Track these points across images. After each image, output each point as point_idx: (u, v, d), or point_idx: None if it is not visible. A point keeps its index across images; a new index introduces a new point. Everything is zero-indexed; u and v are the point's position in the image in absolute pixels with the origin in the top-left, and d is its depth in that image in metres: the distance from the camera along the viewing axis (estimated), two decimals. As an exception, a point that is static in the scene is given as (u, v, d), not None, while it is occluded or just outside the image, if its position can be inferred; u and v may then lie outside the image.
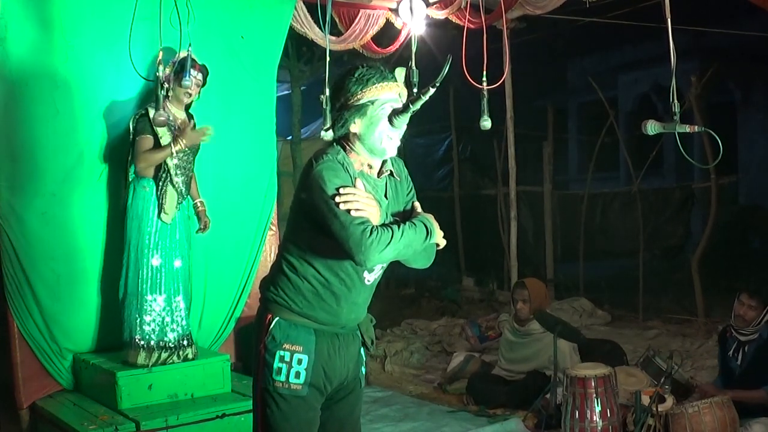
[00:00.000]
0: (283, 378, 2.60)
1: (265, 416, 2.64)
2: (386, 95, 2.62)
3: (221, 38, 5.08)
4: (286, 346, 2.61)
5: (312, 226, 2.57)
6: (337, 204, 2.48)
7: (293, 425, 2.62)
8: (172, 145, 4.51)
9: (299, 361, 2.61)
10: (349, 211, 2.48)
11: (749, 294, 4.59)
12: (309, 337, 2.63)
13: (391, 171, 2.73)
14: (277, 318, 2.63)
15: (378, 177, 2.69)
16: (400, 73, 2.70)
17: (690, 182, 10.30)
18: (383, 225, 2.55)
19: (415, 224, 2.61)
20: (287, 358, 2.61)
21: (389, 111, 2.62)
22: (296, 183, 2.69)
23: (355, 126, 2.62)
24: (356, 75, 2.63)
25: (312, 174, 2.54)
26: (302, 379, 2.61)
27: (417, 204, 2.78)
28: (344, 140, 2.67)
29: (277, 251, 2.79)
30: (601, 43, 15.17)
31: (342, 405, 2.80)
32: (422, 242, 2.63)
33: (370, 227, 2.48)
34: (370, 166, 2.68)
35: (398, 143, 2.69)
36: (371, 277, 2.70)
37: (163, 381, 4.52)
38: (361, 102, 2.61)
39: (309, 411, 2.66)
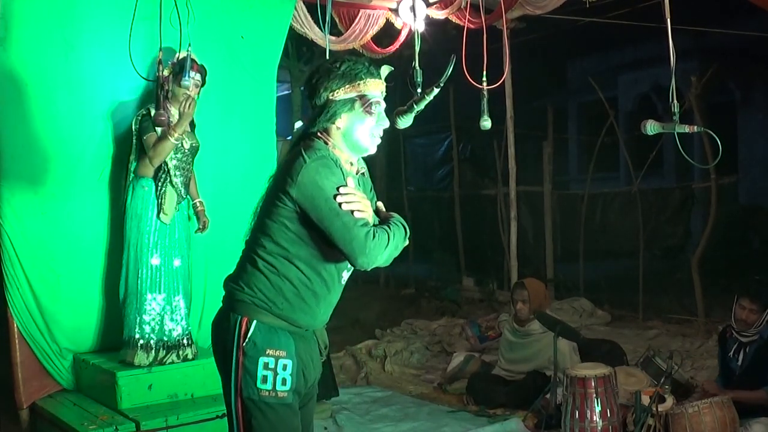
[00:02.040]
0: (269, 386, 2.47)
1: (251, 428, 2.49)
2: (373, 92, 2.56)
3: (221, 38, 5.08)
4: (270, 351, 2.48)
5: (298, 222, 2.47)
6: (340, 204, 2.40)
7: None
8: (169, 134, 4.47)
9: (284, 367, 2.49)
10: (351, 211, 2.41)
11: (750, 299, 4.57)
12: (289, 340, 2.51)
13: (364, 170, 2.67)
14: (255, 321, 2.48)
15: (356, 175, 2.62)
16: (385, 71, 2.64)
17: (690, 182, 10.30)
18: (376, 226, 2.50)
19: (397, 224, 2.56)
20: (272, 365, 2.47)
21: (375, 109, 2.55)
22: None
23: (341, 121, 2.54)
24: (343, 68, 2.54)
25: (306, 169, 2.43)
26: (288, 386, 2.49)
27: (380, 203, 2.69)
28: (323, 135, 2.55)
29: (245, 248, 2.62)
30: (601, 43, 15.19)
31: (306, 411, 2.69)
32: (403, 242, 2.57)
33: (372, 229, 2.43)
34: (351, 164, 2.60)
35: (379, 141, 2.62)
36: (346, 276, 2.65)
37: (163, 381, 4.52)
38: (349, 96, 2.53)
39: (294, 417, 2.55)
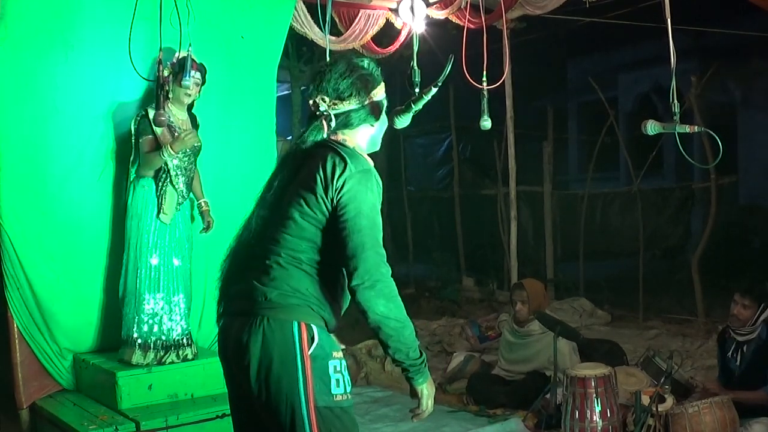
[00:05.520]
0: (342, 390, 2.38)
1: None
2: (383, 93, 2.58)
3: (221, 38, 5.08)
4: (335, 354, 2.40)
5: (330, 225, 2.41)
6: (368, 225, 2.35)
7: None
8: (164, 151, 4.49)
9: (344, 368, 2.43)
10: (375, 237, 2.37)
11: (741, 293, 4.59)
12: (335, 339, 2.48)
13: None
14: (312, 326, 2.39)
15: None
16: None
17: (690, 182, 10.31)
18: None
19: (417, 349, 2.44)
20: (339, 368, 2.40)
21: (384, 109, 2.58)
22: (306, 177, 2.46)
23: (366, 124, 2.53)
24: (371, 69, 2.52)
25: (351, 178, 2.37)
26: (351, 385, 2.44)
27: None
28: (347, 138, 2.51)
29: (274, 248, 2.46)
30: (601, 43, 15.16)
31: None
32: (401, 347, 2.39)
33: (386, 264, 2.38)
34: None
35: None
36: None
37: (163, 381, 4.52)
38: (379, 99, 2.54)
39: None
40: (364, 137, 2.56)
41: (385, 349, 2.42)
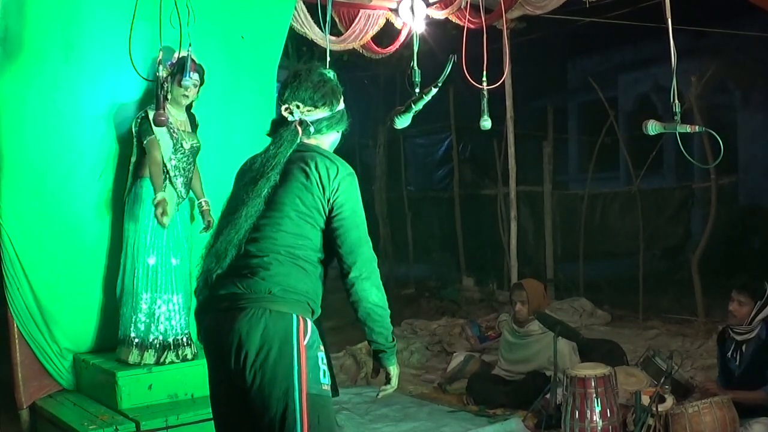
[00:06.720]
0: (327, 381, 2.57)
1: (318, 425, 2.51)
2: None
3: (221, 38, 5.08)
4: (321, 347, 2.58)
5: (324, 223, 2.60)
6: (361, 222, 2.61)
7: (335, 424, 2.63)
8: (157, 197, 4.44)
9: (326, 361, 2.61)
10: (367, 232, 2.62)
11: (737, 290, 4.58)
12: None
13: None
14: (307, 319, 2.56)
15: None
16: None
17: (690, 182, 10.31)
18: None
19: (392, 332, 2.72)
20: (324, 360, 2.58)
21: None
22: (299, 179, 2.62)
23: (332, 131, 2.75)
24: (336, 80, 2.75)
25: (343, 179, 2.60)
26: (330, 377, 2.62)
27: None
28: (319, 143, 2.73)
29: (273, 245, 2.58)
30: (601, 43, 15.19)
31: None
32: (383, 332, 2.67)
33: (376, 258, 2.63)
34: None
35: None
36: None
37: (163, 381, 4.52)
38: (343, 108, 2.76)
39: None
40: (329, 142, 2.77)
41: (370, 333, 2.67)
